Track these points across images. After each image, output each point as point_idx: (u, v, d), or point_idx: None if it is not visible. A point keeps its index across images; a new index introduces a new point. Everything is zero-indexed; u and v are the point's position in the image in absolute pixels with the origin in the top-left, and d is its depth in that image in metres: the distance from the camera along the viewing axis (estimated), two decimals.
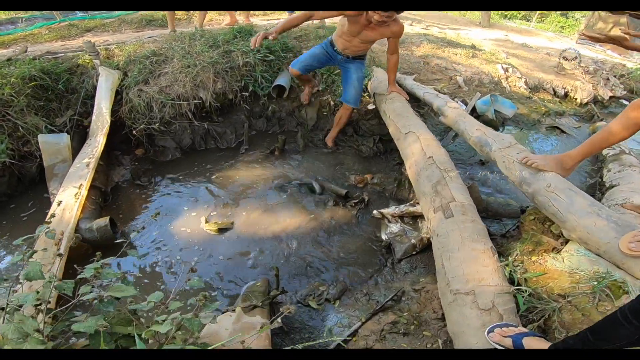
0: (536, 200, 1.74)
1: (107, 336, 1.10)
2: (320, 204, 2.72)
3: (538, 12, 11.08)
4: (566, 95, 4.80)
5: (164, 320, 1.09)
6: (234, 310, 1.80)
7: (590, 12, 8.99)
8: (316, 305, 2.00)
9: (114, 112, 3.12)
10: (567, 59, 5.13)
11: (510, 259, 1.66)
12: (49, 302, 1.12)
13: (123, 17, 5.41)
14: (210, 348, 1.11)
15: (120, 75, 3.30)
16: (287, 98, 3.74)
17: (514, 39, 6.59)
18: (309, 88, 3.60)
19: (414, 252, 2.19)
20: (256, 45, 2.49)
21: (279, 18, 5.82)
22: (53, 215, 1.42)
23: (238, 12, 5.16)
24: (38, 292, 1.12)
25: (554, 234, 1.81)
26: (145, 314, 1.70)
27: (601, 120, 4.28)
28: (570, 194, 1.58)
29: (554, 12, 11.76)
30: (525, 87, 4.54)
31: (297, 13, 2.61)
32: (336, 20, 3.53)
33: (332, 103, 3.66)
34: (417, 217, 2.44)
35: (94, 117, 2.93)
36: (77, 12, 5.45)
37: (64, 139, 2.78)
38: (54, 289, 1.13)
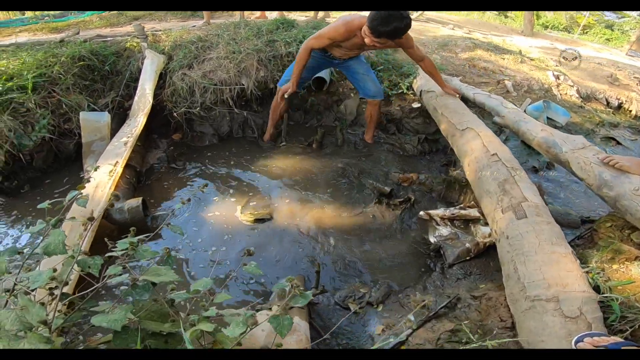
0: (619, 205, 1.56)
1: (134, 333, 0.84)
2: (362, 200, 2.58)
3: (582, 23, 10.67)
4: (620, 106, 4.51)
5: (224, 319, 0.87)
6: (270, 309, 1.67)
7: None
8: (357, 308, 1.85)
9: (155, 96, 3.09)
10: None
11: (591, 265, 1.49)
12: (67, 283, 0.87)
13: None
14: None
15: (165, 59, 3.30)
16: (327, 91, 3.64)
17: (561, 48, 6.30)
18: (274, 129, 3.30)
19: (467, 257, 2.02)
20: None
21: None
22: (88, 181, 1.21)
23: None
24: (55, 271, 0.86)
25: (634, 242, 1.64)
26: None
27: None
28: None
29: (598, 24, 11.32)
30: (577, 95, 4.28)
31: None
32: None
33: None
34: (468, 221, 2.27)
35: (136, 97, 2.92)
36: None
37: (105, 117, 2.76)
38: (76, 266, 0.87)
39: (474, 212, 2.24)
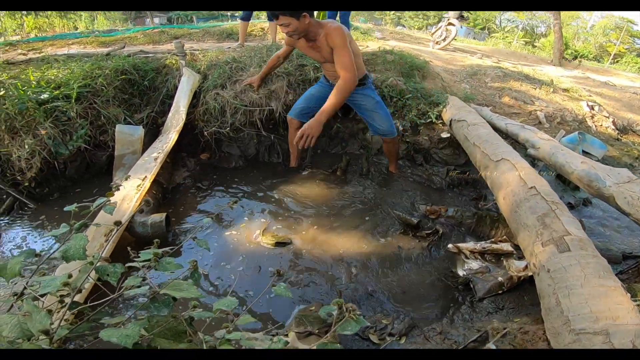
0: None
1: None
2: (386, 231, 2.50)
3: (612, 52, 10.45)
4: None
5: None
6: (286, 335, 1.60)
7: None
8: (377, 339, 1.74)
9: (187, 114, 3.18)
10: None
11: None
12: (80, 291, 0.82)
13: (207, 29, 5.88)
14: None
15: (200, 78, 3.40)
16: (352, 118, 3.64)
17: (594, 77, 6.16)
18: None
19: (499, 291, 1.91)
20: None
21: None
22: (117, 188, 1.16)
23: None
24: (70, 277, 0.80)
25: None
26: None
27: None
28: None
29: (629, 52, 11.06)
30: (613, 127, 4.13)
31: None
32: None
33: (400, 127, 3.51)
34: (500, 255, 2.16)
35: (170, 114, 3.00)
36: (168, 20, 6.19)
37: (139, 131, 2.84)
38: (92, 273, 0.80)
39: (506, 247, 2.14)
